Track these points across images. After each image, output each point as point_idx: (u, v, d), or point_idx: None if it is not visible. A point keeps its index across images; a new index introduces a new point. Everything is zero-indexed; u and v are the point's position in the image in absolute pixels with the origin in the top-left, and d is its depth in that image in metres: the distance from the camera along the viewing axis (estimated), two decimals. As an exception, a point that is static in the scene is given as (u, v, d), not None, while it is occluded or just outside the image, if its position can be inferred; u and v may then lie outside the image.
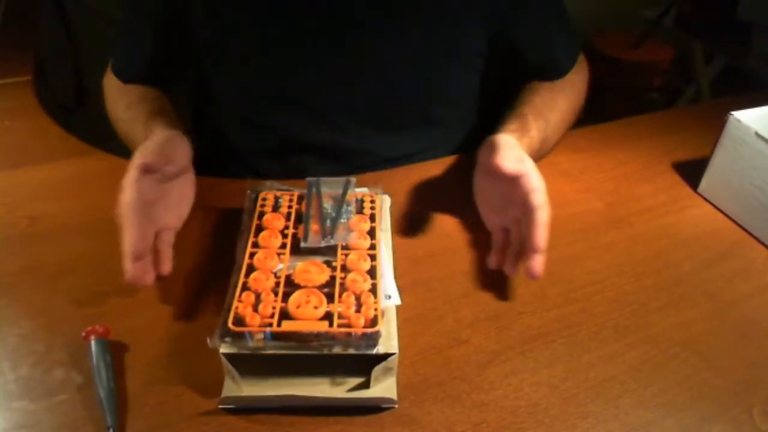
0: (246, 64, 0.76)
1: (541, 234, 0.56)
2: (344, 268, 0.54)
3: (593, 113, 0.87)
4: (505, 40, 0.77)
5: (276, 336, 0.48)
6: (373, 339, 0.48)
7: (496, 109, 0.93)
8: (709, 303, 0.61)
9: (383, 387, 0.50)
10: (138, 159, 0.57)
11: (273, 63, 0.75)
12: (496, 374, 0.53)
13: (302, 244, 0.56)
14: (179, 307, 0.58)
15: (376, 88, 0.76)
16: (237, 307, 0.49)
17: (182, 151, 0.63)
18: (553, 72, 0.80)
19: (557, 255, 0.65)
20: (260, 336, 0.48)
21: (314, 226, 0.58)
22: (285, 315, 0.49)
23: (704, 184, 0.75)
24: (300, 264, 0.54)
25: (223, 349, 0.48)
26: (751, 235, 0.70)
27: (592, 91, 0.86)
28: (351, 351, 0.48)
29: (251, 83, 0.77)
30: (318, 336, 0.48)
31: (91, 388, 0.49)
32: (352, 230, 0.58)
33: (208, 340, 0.48)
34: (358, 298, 0.51)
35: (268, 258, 0.55)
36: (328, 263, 0.55)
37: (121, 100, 0.78)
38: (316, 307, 0.50)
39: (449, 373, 0.53)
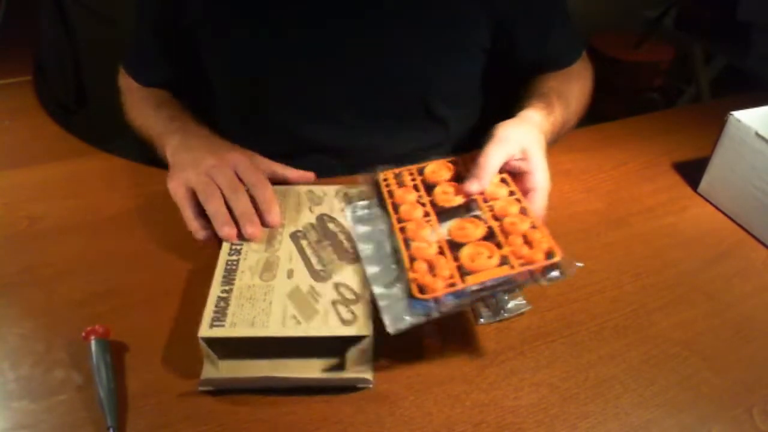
0: (245, 63, 0.76)
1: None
2: (496, 218, 0.55)
3: (593, 113, 0.87)
4: (504, 35, 0.77)
5: (459, 294, 0.48)
6: (557, 267, 0.49)
7: (497, 108, 0.93)
8: (709, 303, 0.61)
9: (359, 368, 0.50)
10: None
11: (273, 60, 0.75)
12: (496, 374, 0.53)
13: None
14: (179, 307, 0.58)
15: (378, 83, 0.76)
16: (415, 279, 0.49)
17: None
18: (551, 66, 0.81)
19: (557, 255, 0.65)
20: (447, 299, 0.48)
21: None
22: (464, 272, 0.49)
23: (704, 184, 0.75)
24: (453, 224, 0.55)
25: (202, 333, 0.48)
26: (751, 235, 0.70)
27: (592, 91, 0.86)
28: (538, 280, 0.49)
29: (251, 82, 0.77)
30: (501, 283, 0.48)
31: (91, 388, 0.49)
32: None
33: (388, 326, 0.47)
34: (524, 237, 0.52)
35: (419, 228, 0.55)
36: (478, 218, 0.56)
37: (150, 99, 0.81)
38: (489, 257, 0.50)
39: (449, 373, 0.53)
